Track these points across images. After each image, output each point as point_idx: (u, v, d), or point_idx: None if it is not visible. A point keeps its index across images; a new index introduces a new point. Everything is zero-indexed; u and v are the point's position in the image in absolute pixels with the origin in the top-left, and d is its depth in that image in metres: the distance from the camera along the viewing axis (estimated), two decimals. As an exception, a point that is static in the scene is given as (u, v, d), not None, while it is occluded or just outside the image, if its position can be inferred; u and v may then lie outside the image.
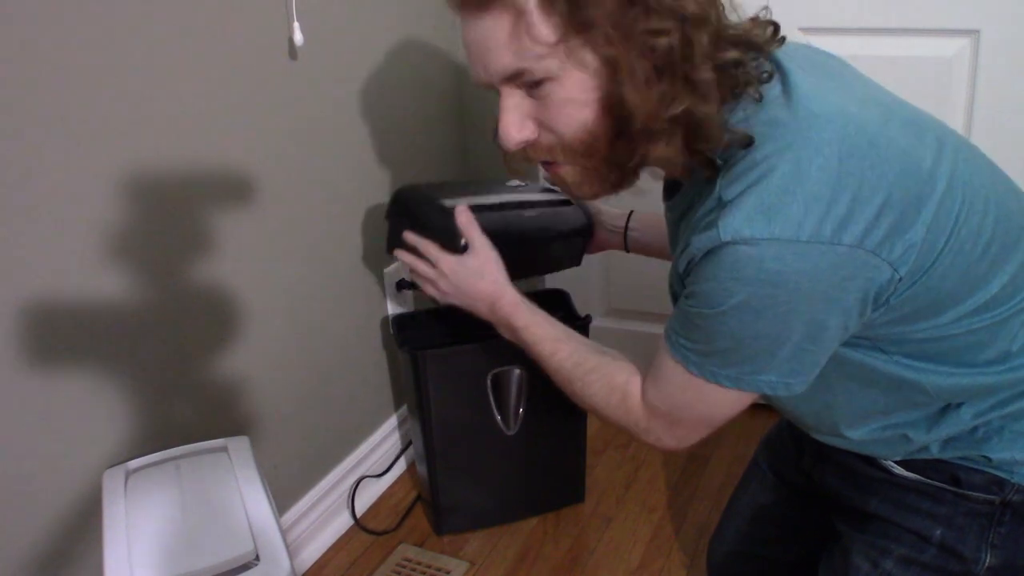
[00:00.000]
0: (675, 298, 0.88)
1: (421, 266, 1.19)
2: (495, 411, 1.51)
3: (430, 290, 1.20)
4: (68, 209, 1.05)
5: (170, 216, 1.19)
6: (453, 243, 1.20)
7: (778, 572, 1.19)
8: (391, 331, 1.65)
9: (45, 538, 1.08)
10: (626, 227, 1.32)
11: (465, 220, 1.16)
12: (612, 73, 0.74)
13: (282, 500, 1.47)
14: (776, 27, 0.81)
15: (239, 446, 1.18)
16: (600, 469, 1.76)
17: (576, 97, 0.76)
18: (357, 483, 1.65)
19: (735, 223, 0.71)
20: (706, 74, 0.74)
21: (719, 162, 0.77)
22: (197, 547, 0.98)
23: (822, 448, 1.01)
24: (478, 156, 1.93)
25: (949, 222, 0.75)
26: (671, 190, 0.95)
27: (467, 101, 1.89)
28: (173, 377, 1.23)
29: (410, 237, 1.21)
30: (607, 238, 1.37)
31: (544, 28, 0.72)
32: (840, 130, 0.73)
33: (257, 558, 0.97)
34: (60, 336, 1.06)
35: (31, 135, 0.99)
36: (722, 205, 0.74)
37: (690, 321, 0.81)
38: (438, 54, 1.79)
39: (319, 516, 1.56)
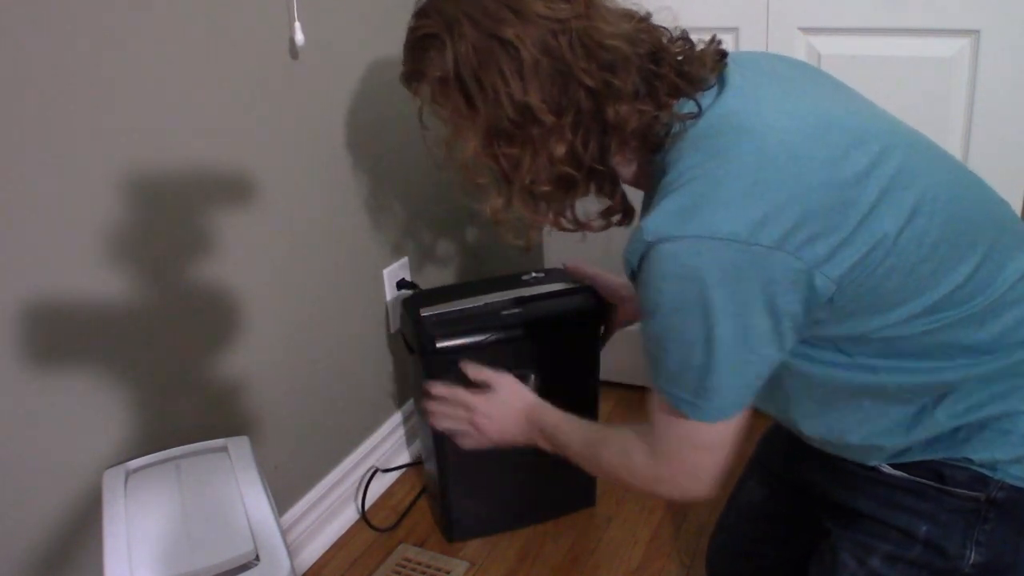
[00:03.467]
0: None
1: (458, 416, 1.18)
2: None
3: (470, 442, 1.20)
4: (68, 209, 1.05)
5: (170, 216, 1.19)
6: (425, 347, 1.39)
7: (776, 570, 1.19)
8: (401, 334, 1.65)
9: (45, 538, 1.08)
10: None
11: (472, 371, 1.20)
12: (468, 157, 0.90)
13: (282, 500, 1.47)
14: (719, 56, 0.88)
15: (239, 446, 1.18)
16: (600, 469, 1.76)
17: (461, 151, 0.91)
18: (371, 476, 1.65)
19: (655, 223, 0.78)
20: (544, 187, 0.88)
21: (659, 175, 0.84)
22: (197, 547, 0.98)
23: (809, 446, 1.02)
24: (478, 156, 1.93)
25: (884, 225, 0.78)
26: None
27: (467, 101, 1.89)
28: (173, 377, 1.23)
29: (437, 389, 1.20)
30: (630, 310, 1.41)
31: (436, 116, 0.93)
32: (761, 143, 0.79)
33: (257, 558, 0.97)
34: (60, 336, 1.06)
35: (31, 135, 0.99)
36: (653, 208, 0.81)
37: (647, 344, 0.87)
38: (438, 54, 1.79)
39: (319, 516, 1.56)
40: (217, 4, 1.21)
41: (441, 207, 1.86)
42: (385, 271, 1.68)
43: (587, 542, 1.57)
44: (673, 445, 0.91)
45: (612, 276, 1.47)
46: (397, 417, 1.78)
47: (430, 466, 1.58)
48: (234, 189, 1.29)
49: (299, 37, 1.34)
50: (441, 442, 1.48)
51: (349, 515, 1.64)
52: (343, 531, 1.62)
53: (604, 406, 1.98)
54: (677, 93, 0.84)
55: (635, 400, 2.01)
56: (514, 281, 1.53)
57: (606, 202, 0.94)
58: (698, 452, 0.91)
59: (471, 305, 1.46)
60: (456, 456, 1.50)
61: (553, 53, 0.81)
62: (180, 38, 1.16)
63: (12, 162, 0.98)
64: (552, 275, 1.53)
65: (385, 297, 1.69)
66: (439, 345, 1.40)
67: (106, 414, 1.14)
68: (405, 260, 1.74)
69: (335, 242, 1.53)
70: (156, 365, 1.20)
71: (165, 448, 1.19)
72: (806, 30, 1.58)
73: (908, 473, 0.91)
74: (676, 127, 0.84)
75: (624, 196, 0.94)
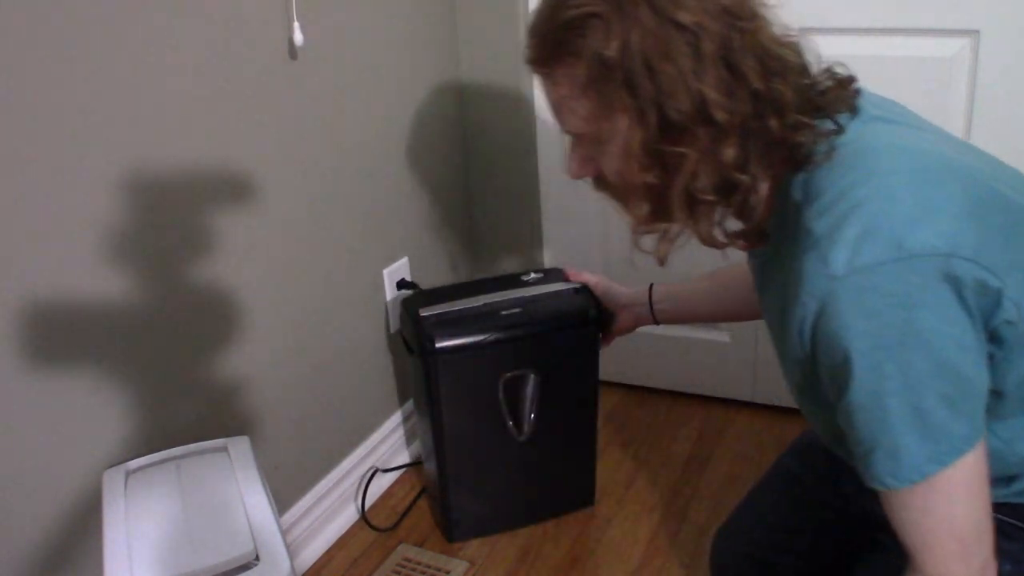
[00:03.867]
0: (808, 392, 0.86)
1: None
2: (507, 416, 1.51)
3: None
4: (68, 209, 1.05)
5: (170, 216, 1.19)
6: (424, 348, 1.40)
7: None
8: (400, 335, 1.65)
9: (45, 538, 1.08)
10: (650, 301, 1.36)
11: None
12: (626, 152, 0.81)
13: (282, 500, 1.47)
14: (850, 81, 0.85)
15: (239, 446, 1.18)
16: (600, 469, 1.76)
17: (609, 159, 0.84)
18: (371, 476, 1.66)
19: (842, 254, 0.72)
20: (706, 195, 0.80)
21: (797, 197, 0.80)
22: (197, 547, 0.98)
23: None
24: (478, 155, 1.93)
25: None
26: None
27: (467, 100, 1.89)
28: (173, 377, 1.23)
29: None
30: (630, 318, 1.40)
31: (582, 105, 0.82)
32: (918, 157, 0.77)
33: (257, 558, 0.97)
34: (60, 336, 1.06)
35: (31, 135, 0.99)
36: (815, 239, 0.75)
37: (856, 414, 0.76)
38: (438, 53, 1.79)
39: (319, 516, 1.56)
40: (216, 4, 1.21)
41: (441, 207, 1.86)
42: (385, 271, 1.68)
43: (587, 542, 1.57)
44: (941, 529, 0.77)
45: (612, 283, 1.47)
46: (397, 417, 1.78)
47: (429, 466, 1.58)
48: (234, 189, 1.29)
49: (298, 37, 1.34)
50: (440, 442, 1.48)
51: (349, 515, 1.64)
52: (343, 531, 1.62)
53: (604, 406, 1.98)
54: (824, 111, 0.81)
55: (635, 400, 2.02)
56: (514, 281, 1.53)
57: (737, 222, 0.86)
58: (963, 528, 0.77)
59: (471, 305, 1.46)
60: (455, 456, 1.50)
61: (728, 48, 0.75)
62: (179, 38, 1.16)
63: (12, 162, 0.98)
64: (552, 275, 1.54)
65: (385, 297, 1.69)
66: (438, 345, 1.40)
67: (106, 414, 1.14)
68: (405, 260, 1.74)
69: (335, 242, 1.53)
70: (156, 365, 1.20)
71: (165, 448, 1.19)
72: (806, 30, 1.57)
73: (996, 513, 0.90)
74: (823, 145, 0.79)
75: (765, 218, 0.86)
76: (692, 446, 1.83)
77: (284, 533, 1.06)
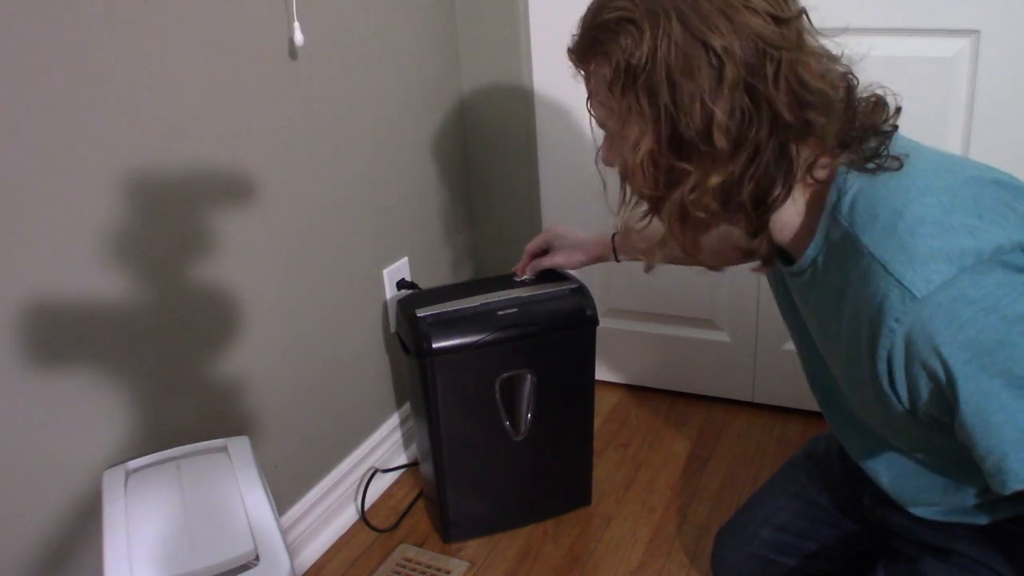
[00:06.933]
0: (874, 407, 0.85)
1: None
2: (503, 416, 1.51)
3: None
4: (68, 209, 1.05)
5: (170, 216, 1.19)
6: (420, 348, 1.39)
7: None
8: (397, 335, 1.65)
9: (45, 538, 1.08)
10: (612, 239, 1.42)
11: None
12: (635, 154, 0.83)
13: (282, 500, 1.47)
14: (886, 103, 0.87)
15: (239, 446, 1.18)
16: (600, 469, 1.76)
17: (629, 150, 0.85)
18: (371, 476, 1.66)
19: (920, 275, 0.73)
20: (699, 212, 0.83)
21: (844, 219, 0.81)
22: (197, 547, 0.98)
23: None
24: (479, 155, 1.93)
25: None
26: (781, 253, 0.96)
27: (468, 99, 1.89)
28: (173, 377, 1.23)
29: None
30: (595, 249, 1.44)
31: (606, 103, 0.85)
32: (955, 167, 0.81)
33: (257, 558, 0.97)
34: (60, 336, 1.06)
35: (31, 135, 0.99)
36: (884, 264, 0.76)
37: (977, 424, 0.75)
38: (438, 53, 1.79)
39: (319, 516, 1.56)
40: (216, 4, 1.21)
41: (441, 207, 1.86)
42: (385, 271, 1.68)
43: (587, 542, 1.57)
44: None
45: (566, 228, 1.50)
46: (397, 417, 1.78)
47: (426, 468, 1.59)
48: (234, 189, 1.29)
49: (298, 37, 1.34)
50: (437, 443, 1.48)
51: (349, 515, 1.64)
52: (343, 531, 1.62)
53: (605, 406, 1.98)
54: (867, 134, 0.82)
55: (635, 400, 2.02)
56: (510, 281, 1.53)
57: (748, 241, 0.89)
58: None
59: (467, 305, 1.46)
60: (452, 457, 1.50)
61: (755, 76, 0.76)
62: (179, 38, 1.16)
63: (12, 162, 0.98)
64: (548, 275, 1.54)
65: (385, 297, 1.69)
66: (435, 346, 1.41)
67: (106, 414, 1.14)
68: (405, 260, 1.74)
69: (335, 242, 1.53)
70: (156, 364, 1.20)
71: (165, 448, 1.19)
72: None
73: (1016, 526, 0.90)
74: (863, 167, 0.81)
75: (771, 242, 0.89)
76: (692, 446, 1.83)
77: (284, 533, 1.06)
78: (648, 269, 1.08)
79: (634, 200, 0.88)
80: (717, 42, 0.75)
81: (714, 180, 0.80)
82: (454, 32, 1.83)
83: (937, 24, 1.48)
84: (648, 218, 0.89)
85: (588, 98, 0.88)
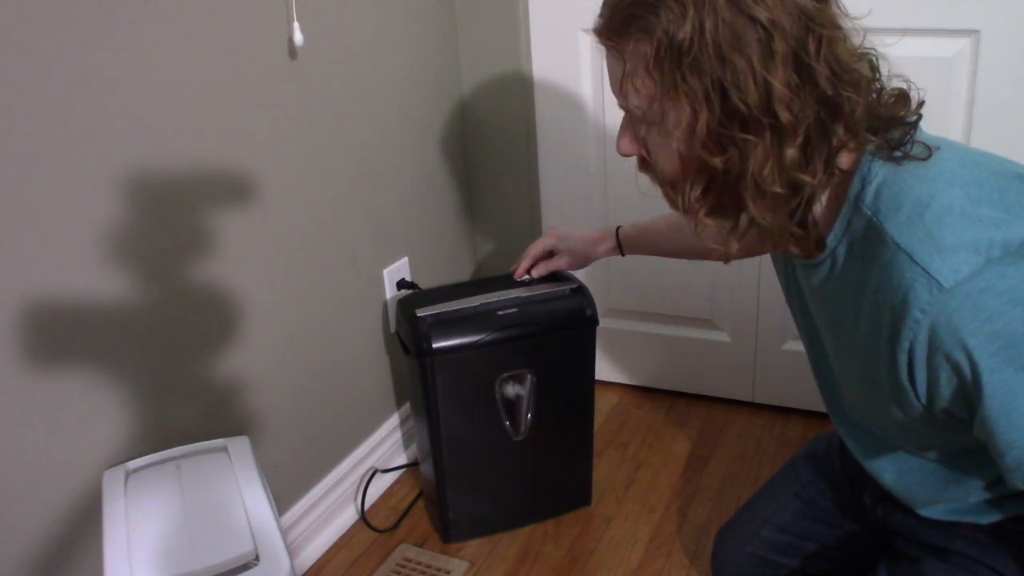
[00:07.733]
0: (892, 399, 0.84)
1: None
2: (503, 416, 1.51)
3: None
4: (68, 209, 1.05)
5: (170, 216, 1.19)
6: (420, 348, 1.39)
7: None
8: (397, 335, 1.65)
9: (45, 538, 1.08)
10: (617, 236, 1.43)
11: None
12: (690, 135, 0.80)
13: (282, 500, 1.47)
14: (918, 105, 0.84)
15: (239, 446, 1.18)
16: (600, 469, 1.76)
17: (665, 139, 0.82)
18: (371, 476, 1.66)
19: (947, 266, 0.72)
20: (776, 187, 0.79)
21: (868, 208, 0.79)
22: (197, 547, 0.98)
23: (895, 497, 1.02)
24: (479, 154, 1.93)
25: None
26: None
27: (468, 99, 1.89)
28: (173, 377, 1.23)
29: None
30: (603, 251, 1.46)
31: (645, 83, 0.80)
32: (980, 160, 0.80)
33: (257, 558, 0.97)
34: (60, 336, 1.06)
35: (31, 135, 0.99)
36: (909, 254, 0.75)
37: (1001, 417, 0.74)
38: (438, 53, 1.79)
39: (319, 516, 1.56)
40: (216, 4, 1.21)
41: (441, 207, 1.86)
42: (385, 271, 1.68)
43: (587, 542, 1.57)
44: None
45: (569, 230, 1.51)
46: (397, 417, 1.78)
47: (426, 468, 1.59)
48: (234, 189, 1.29)
49: (298, 37, 1.34)
50: (437, 443, 1.48)
51: (349, 515, 1.64)
52: (343, 531, 1.62)
53: (605, 406, 1.98)
54: (891, 125, 0.81)
55: (635, 400, 2.02)
56: (510, 281, 1.53)
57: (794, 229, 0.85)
58: None
59: (467, 305, 1.46)
60: (452, 457, 1.50)
61: (801, 50, 0.75)
62: (179, 38, 1.16)
63: (12, 162, 0.98)
64: (547, 275, 1.54)
65: (385, 297, 1.69)
66: (435, 346, 1.41)
67: (106, 414, 1.14)
68: (405, 260, 1.74)
69: (335, 242, 1.53)
70: (156, 365, 1.20)
71: (165, 448, 1.19)
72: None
73: (1019, 525, 0.90)
74: (889, 156, 0.80)
75: (817, 224, 0.86)
76: (692, 446, 1.83)
77: (284, 533, 1.06)
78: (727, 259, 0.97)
79: (692, 189, 0.84)
80: (764, 15, 0.73)
81: (790, 152, 0.77)
82: (454, 32, 1.83)
83: (937, 24, 1.48)
84: (730, 230, 0.85)
85: (616, 82, 0.83)
